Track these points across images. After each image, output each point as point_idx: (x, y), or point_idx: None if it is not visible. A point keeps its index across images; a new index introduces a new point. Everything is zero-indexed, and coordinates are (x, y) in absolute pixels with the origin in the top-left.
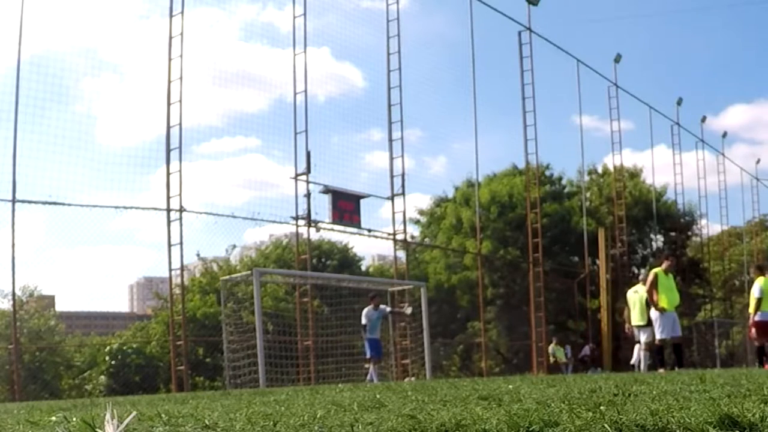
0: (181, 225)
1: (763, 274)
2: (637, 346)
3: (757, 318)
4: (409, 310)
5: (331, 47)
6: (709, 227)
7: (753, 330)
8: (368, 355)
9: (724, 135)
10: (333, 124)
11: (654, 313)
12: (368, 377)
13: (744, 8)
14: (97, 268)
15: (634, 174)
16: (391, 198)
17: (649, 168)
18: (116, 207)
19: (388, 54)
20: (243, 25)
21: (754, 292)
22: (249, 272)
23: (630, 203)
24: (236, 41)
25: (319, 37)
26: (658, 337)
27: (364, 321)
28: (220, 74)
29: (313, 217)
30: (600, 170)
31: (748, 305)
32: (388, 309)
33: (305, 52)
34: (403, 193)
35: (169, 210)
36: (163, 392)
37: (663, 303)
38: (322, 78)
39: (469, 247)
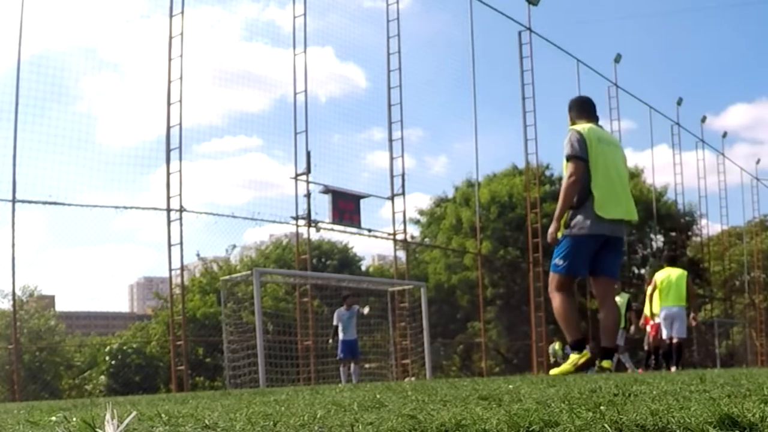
0: (181, 225)
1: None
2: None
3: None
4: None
5: (334, 47)
6: (710, 227)
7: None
8: (338, 357)
9: (725, 135)
10: (334, 124)
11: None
12: (343, 379)
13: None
14: (97, 268)
15: (635, 174)
16: (392, 198)
17: (650, 168)
18: (116, 207)
19: (389, 54)
20: (244, 25)
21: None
22: (249, 272)
23: None
24: (237, 41)
25: (322, 36)
26: (665, 336)
27: (335, 321)
28: (221, 74)
29: (313, 217)
30: None
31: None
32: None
33: (305, 52)
34: (403, 193)
35: (169, 210)
36: (163, 392)
37: None
38: (326, 78)
39: (469, 247)
